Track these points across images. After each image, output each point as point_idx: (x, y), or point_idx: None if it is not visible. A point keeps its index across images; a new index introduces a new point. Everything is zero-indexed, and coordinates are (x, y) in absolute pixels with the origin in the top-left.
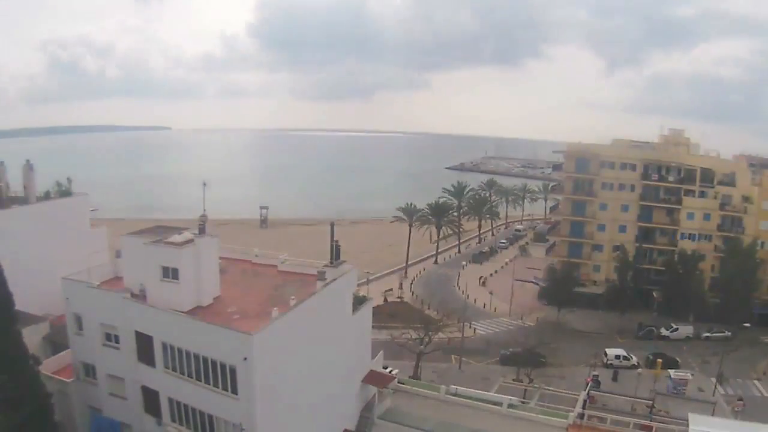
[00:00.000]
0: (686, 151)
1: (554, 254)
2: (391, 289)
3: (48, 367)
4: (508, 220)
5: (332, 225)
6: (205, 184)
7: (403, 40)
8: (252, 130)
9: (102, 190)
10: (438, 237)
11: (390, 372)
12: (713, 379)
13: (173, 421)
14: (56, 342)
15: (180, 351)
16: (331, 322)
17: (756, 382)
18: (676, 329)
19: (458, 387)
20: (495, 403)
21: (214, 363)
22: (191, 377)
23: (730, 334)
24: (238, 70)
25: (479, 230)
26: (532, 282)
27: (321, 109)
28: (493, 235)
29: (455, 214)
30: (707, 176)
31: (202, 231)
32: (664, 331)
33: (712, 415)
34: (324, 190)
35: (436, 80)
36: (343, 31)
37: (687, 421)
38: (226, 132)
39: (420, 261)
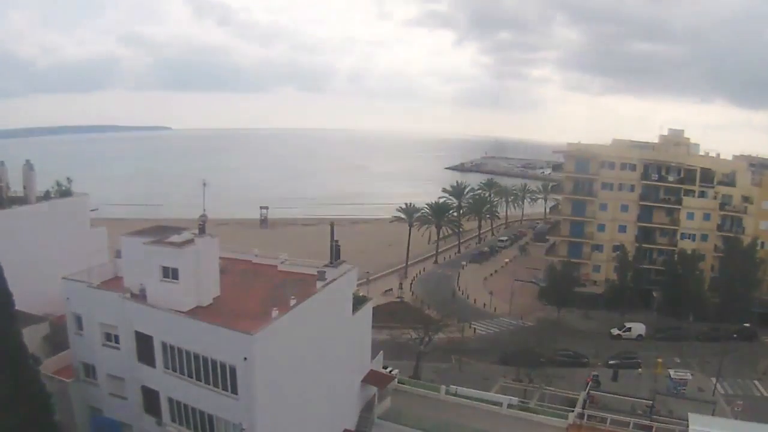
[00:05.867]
0: (686, 151)
1: (554, 254)
2: (391, 289)
3: (48, 367)
4: (508, 220)
5: (332, 225)
6: (205, 184)
7: None
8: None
9: (102, 190)
10: (438, 237)
11: (390, 372)
12: (713, 379)
13: (173, 421)
14: (56, 342)
15: (180, 351)
16: (331, 322)
17: (756, 382)
18: (629, 329)
19: (458, 387)
20: (495, 403)
21: (214, 363)
22: (191, 377)
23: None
24: None
25: (479, 230)
26: (532, 282)
27: None
28: (493, 235)
29: (455, 214)
30: (707, 176)
31: (202, 231)
32: (616, 331)
33: (712, 415)
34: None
35: None
36: None
37: (687, 421)
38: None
39: (420, 261)
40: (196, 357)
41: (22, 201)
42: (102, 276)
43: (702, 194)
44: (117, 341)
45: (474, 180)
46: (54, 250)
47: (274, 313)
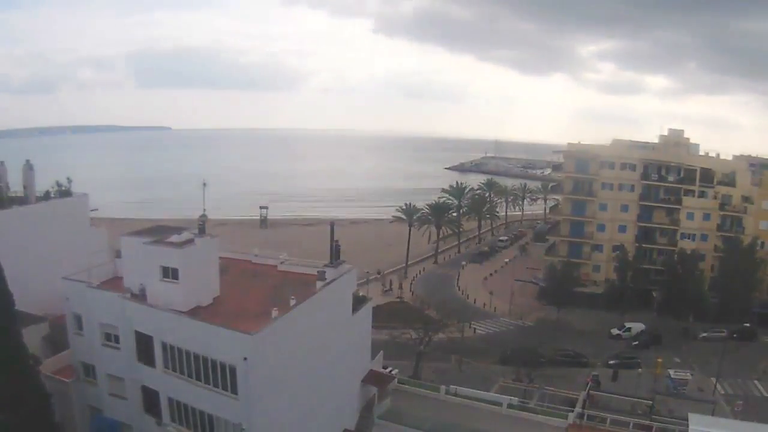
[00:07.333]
0: (686, 151)
1: (554, 254)
2: (391, 289)
3: (48, 367)
4: (508, 220)
5: (332, 225)
6: (205, 184)
7: None
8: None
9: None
10: (438, 237)
11: (390, 372)
12: (713, 379)
13: (173, 421)
14: (56, 342)
15: (180, 351)
16: (331, 322)
17: (756, 382)
18: (629, 329)
19: (458, 387)
20: (495, 403)
21: (214, 363)
22: (191, 377)
23: (725, 333)
24: None
25: (479, 230)
26: (532, 282)
27: None
28: (493, 235)
29: (455, 214)
30: (707, 176)
31: (202, 231)
32: (616, 331)
33: (712, 415)
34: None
35: None
36: None
37: (687, 421)
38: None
39: (420, 261)
40: (196, 357)
41: (22, 201)
42: (102, 276)
43: (702, 194)
44: (117, 341)
45: (474, 180)
46: (54, 250)
47: (274, 313)
